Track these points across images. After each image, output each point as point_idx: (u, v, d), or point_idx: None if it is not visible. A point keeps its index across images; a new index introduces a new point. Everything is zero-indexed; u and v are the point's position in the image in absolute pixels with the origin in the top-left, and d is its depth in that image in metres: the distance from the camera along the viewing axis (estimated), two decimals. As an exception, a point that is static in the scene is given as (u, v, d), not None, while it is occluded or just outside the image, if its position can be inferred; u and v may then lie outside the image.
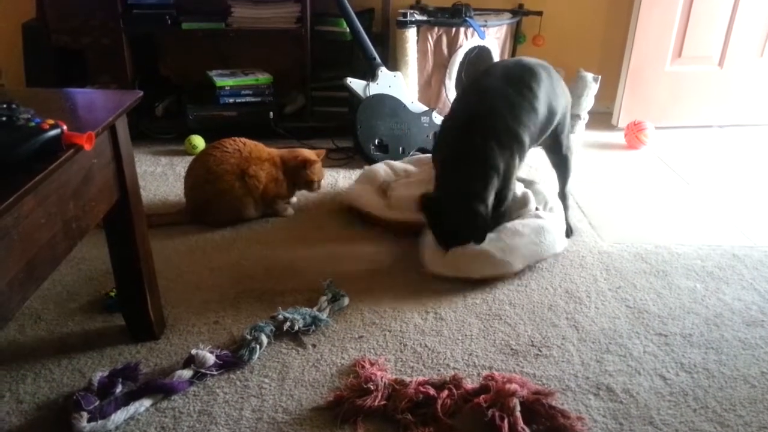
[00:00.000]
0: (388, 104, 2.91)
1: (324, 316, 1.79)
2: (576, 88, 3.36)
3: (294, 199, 2.53)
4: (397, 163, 2.69)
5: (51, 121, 1.15)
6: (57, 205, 1.22)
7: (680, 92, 3.54)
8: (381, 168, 2.61)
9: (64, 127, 1.16)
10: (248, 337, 1.66)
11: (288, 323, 1.72)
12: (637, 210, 2.61)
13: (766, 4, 3.38)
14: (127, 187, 1.51)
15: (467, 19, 3.12)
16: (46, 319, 1.79)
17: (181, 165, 2.82)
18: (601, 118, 3.61)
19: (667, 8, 3.33)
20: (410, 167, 2.66)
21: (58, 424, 1.42)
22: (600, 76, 3.34)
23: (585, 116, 3.42)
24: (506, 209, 2.10)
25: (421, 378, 1.57)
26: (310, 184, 2.43)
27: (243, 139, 2.39)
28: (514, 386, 1.48)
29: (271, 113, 3.13)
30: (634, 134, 3.28)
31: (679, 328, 1.84)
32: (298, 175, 2.40)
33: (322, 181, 2.50)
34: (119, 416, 1.42)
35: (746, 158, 3.23)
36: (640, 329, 1.83)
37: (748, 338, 1.80)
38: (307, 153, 2.43)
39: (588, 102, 3.38)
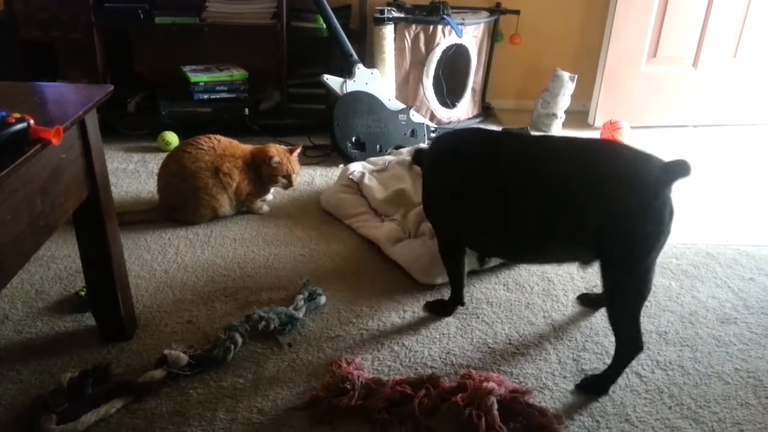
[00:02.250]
0: (366, 101, 2.89)
1: (300, 315, 1.77)
2: (552, 87, 3.38)
3: (270, 197, 2.50)
4: (375, 157, 2.69)
5: (17, 115, 1.12)
6: (23, 201, 1.19)
7: (655, 92, 3.58)
8: (357, 164, 2.59)
9: (31, 122, 1.13)
10: (222, 336, 1.64)
11: (263, 322, 1.70)
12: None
13: (739, 6, 3.42)
14: (97, 183, 1.48)
15: (445, 16, 3.11)
16: (14, 319, 1.74)
17: (154, 162, 2.78)
18: (578, 117, 3.63)
19: (642, 9, 3.36)
20: (388, 156, 2.68)
21: (27, 426, 1.38)
22: (576, 75, 3.36)
23: (561, 115, 3.43)
24: None
25: (398, 377, 1.56)
26: (274, 180, 2.36)
27: (217, 136, 2.36)
28: (491, 385, 1.48)
29: (246, 110, 3.09)
30: (610, 133, 3.30)
31: (655, 326, 1.85)
32: (264, 171, 2.35)
33: (298, 179, 2.45)
34: (89, 418, 1.39)
35: (720, 158, 3.27)
36: (616, 327, 1.83)
37: (722, 335, 1.82)
38: (272, 148, 2.38)
39: (564, 101, 3.39)
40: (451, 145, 1.73)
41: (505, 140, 1.70)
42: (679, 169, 1.39)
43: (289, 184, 2.40)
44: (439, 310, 1.86)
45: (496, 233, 1.63)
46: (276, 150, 2.36)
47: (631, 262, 1.46)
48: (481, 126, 3.43)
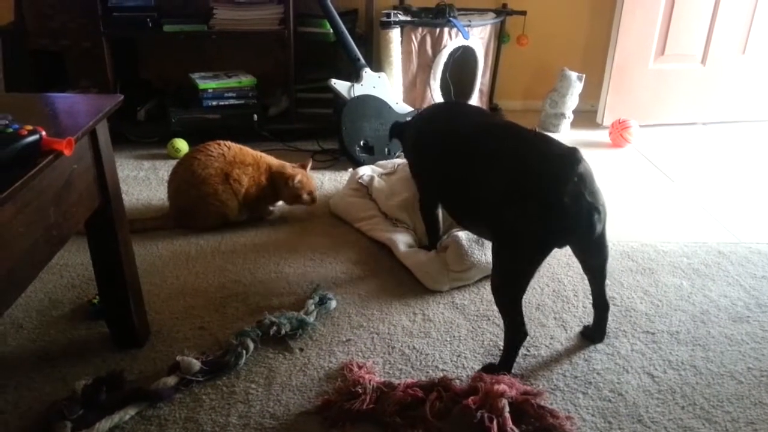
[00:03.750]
0: (373, 105, 2.90)
1: (311, 319, 1.78)
2: (560, 87, 3.37)
3: (279, 202, 2.51)
4: (384, 161, 2.70)
5: (29, 127, 1.13)
6: (37, 212, 1.20)
7: (664, 90, 3.56)
8: (366, 168, 2.60)
9: (43, 133, 1.14)
10: (234, 342, 1.65)
11: (274, 327, 1.70)
12: (623, 208, 2.62)
13: (747, 1, 3.40)
14: (109, 192, 1.49)
15: (451, 19, 3.11)
16: (28, 328, 1.76)
17: (164, 169, 2.79)
18: (586, 116, 3.62)
19: (649, 6, 3.35)
20: (397, 160, 2.69)
21: (42, 434, 1.40)
22: (584, 75, 3.36)
23: (570, 115, 3.43)
24: None
25: (409, 380, 1.55)
26: (299, 198, 2.37)
27: (227, 143, 2.37)
28: (502, 387, 1.48)
29: (255, 115, 3.11)
30: (619, 132, 3.29)
31: (666, 326, 1.84)
32: (286, 193, 2.36)
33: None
34: (104, 425, 1.40)
35: (730, 155, 3.25)
36: (628, 327, 1.83)
37: (734, 334, 1.81)
38: (289, 169, 2.38)
39: (572, 101, 3.39)
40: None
41: (447, 114, 1.96)
42: (572, 160, 1.45)
43: (312, 200, 2.40)
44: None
45: (443, 195, 1.86)
46: (294, 170, 2.37)
47: (502, 247, 1.56)
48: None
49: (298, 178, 2.33)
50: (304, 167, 2.42)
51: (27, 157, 1.10)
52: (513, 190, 1.50)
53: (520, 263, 1.54)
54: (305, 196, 2.37)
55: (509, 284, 1.57)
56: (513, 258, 1.55)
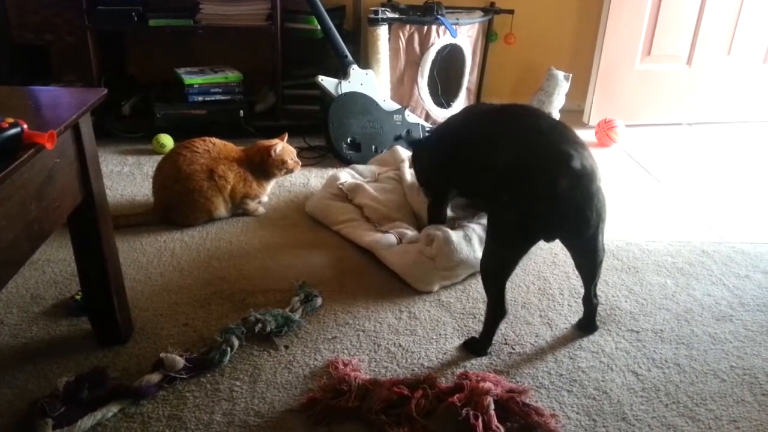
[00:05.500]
0: (360, 102, 2.89)
1: (296, 317, 1.77)
2: (547, 86, 3.38)
3: (265, 199, 2.50)
4: (362, 167, 2.66)
5: (10, 120, 1.11)
6: (18, 206, 1.18)
7: (650, 90, 3.58)
8: (345, 174, 2.54)
9: (25, 126, 1.12)
10: (219, 339, 1.63)
11: (260, 325, 1.69)
12: (608, 207, 2.62)
13: (733, 3, 3.43)
14: (92, 187, 1.47)
15: (439, 17, 3.11)
16: (9, 324, 1.74)
17: (149, 164, 2.77)
18: (572, 116, 3.63)
19: (636, 7, 3.37)
20: (374, 168, 2.64)
21: (24, 431, 1.38)
22: (571, 74, 3.37)
23: (556, 114, 3.44)
24: None
25: (395, 378, 1.56)
26: (284, 165, 2.40)
27: (213, 139, 2.36)
28: (488, 385, 1.48)
29: (242, 111, 3.09)
30: (605, 132, 3.31)
31: (651, 324, 1.85)
32: (269, 165, 2.37)
33: (294, 175, 2.53)
34: (86, 422, 1.39)
35: (715, 155, 3.28)
36: (612, 326, 1.84)
37: (718, 333, 1.82)
38: (265, 141, 2.43)
39: (559, 100, 3.40)
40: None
41: (473, 112, 2.07)
42: (571, 157, 1.51)
43: (296, 163, 2.46)
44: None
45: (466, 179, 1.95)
46: (273, 141, 2.43)
47: (492, 225, 1.68)
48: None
49: (279, 146, 2.38)
50: (281, 140, 2.45)
51: (8, 150, 1.09)
52: (511, 176, 1.58)
53: (505, 245, 1.63)
54: (290, 161, 2.42)
55: (494, 264, 1.65)
56: (499, 238, 1.63)
